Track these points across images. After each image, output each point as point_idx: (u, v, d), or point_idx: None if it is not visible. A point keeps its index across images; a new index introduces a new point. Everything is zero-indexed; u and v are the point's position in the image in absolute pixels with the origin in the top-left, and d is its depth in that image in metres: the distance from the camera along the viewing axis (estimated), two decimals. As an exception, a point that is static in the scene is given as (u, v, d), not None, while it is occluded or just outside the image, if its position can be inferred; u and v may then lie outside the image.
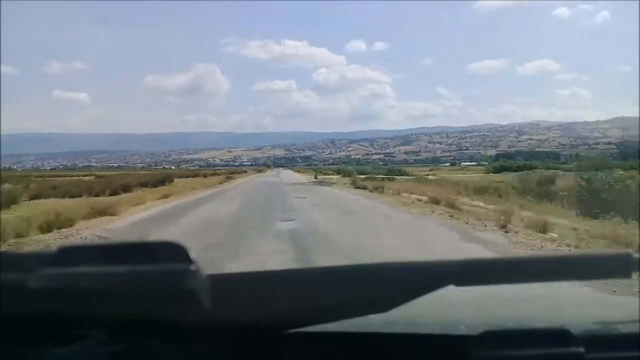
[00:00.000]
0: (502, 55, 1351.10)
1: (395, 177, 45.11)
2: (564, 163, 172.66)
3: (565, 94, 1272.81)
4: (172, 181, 38.43)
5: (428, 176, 48.10)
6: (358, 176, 48.70)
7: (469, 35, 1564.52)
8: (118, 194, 24.44)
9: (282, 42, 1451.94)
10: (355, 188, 30.64)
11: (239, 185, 39.53)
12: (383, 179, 40.07)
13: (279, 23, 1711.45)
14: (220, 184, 40.98)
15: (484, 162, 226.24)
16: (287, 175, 76.95)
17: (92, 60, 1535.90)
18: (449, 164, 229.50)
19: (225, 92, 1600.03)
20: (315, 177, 57.34)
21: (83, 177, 47.05)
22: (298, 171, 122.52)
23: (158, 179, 36.42)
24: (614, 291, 5.11)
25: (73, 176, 58.65)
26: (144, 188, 27.66)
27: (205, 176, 60.97)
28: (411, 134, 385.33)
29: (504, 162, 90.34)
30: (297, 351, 0.95)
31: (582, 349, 0.92)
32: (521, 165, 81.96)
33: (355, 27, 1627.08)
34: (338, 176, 61.03)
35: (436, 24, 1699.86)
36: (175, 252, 0.68)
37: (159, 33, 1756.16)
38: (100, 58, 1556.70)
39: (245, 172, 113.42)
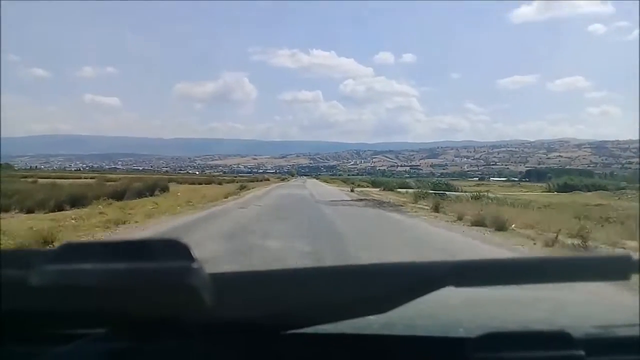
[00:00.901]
0: (532, 71, 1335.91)
1: (445, 192, 34.93)
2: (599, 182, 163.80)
3: (596, 112, 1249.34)
4: (167, 190, 28.80)
5: (485, 193, 36.50)
6: (401, 190, 38.82)
7: (499, 50, 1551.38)
8: (63, 209, 15.90)
9: (310, 52, 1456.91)
10: (472, 225, 14.22)
11: (250, 201, 24.69)
12: (435, 195, 30.61)
13: (307, 33, 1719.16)
14: (225, 197, 27.59)
15: (514, 178, 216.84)
16: (315, 186, 61.22)
17: (124, 66, 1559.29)
18: (477, 178, 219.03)
19: (253, 101, 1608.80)
20: (352, 191, 42.76)
21: (75, 180, 38.33)
22: (326, 181, 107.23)
23: (147, 186, 26.64)
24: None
25: (80, 178, 50.37)
26: (112, 201, 18.49)
27: (220, 183, 50.79)
28: (437, 147, 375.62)
29: (569, 180, 78.24)
30: (296, 352, 0.93)
31: (582, 352, 0.90)
32: (589, 185, 70.72)
33: (383, 39, 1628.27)
34: (377, 189, 49.01)
35: (465, 38, 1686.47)
36: (177, 250, 0.68)
37: (189, 41, 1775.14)
38: (131, 64, 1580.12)
39: (268, 180, 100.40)
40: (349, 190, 44.24)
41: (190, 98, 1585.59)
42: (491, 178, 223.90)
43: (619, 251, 8.72)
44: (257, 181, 78.59)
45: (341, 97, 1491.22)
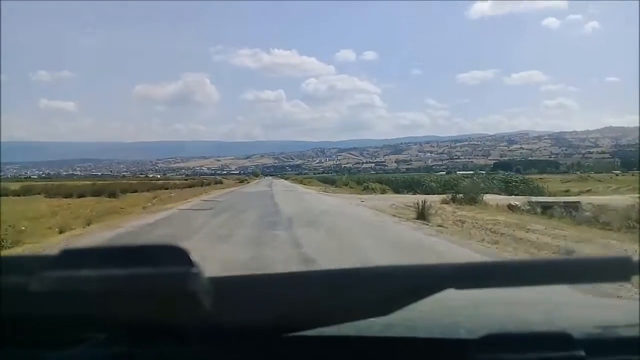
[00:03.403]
0: (490, 66, 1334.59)
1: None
2: (566, 172, 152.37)
3: (552, 104, 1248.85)
4: None
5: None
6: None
7: (458, 46, 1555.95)
8: None
9: (271, 51, 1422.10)
10: None
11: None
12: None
13: (268, 32, 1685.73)
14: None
15: (481, 171, 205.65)
16: (298, 201, 25.22)
17: (81, 69, 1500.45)
18: (443, 172, 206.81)
19: (215, 102, 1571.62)
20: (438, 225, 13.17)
21: None
22: (302, 182, 76.99)
23: None
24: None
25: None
26: None
27: (114, 195, 31.50)
28: (401, 143, 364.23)
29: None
30: (297, 355, 0.92)
31: (582, 353, 0.89)
32: None
33: (344, 36, 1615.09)
34: (444, 202, 20.27)
35: (425, 35, 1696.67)
36: (176, 255, 0.66)
37: (148, 42, 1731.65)
38: (88, 67, 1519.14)
39: (220, 182, 73.60)
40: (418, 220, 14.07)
41: (150, 100, 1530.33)
42: (457, 172, 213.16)
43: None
44: (201, 186, 56.52)
45: (304, 96, 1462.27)
